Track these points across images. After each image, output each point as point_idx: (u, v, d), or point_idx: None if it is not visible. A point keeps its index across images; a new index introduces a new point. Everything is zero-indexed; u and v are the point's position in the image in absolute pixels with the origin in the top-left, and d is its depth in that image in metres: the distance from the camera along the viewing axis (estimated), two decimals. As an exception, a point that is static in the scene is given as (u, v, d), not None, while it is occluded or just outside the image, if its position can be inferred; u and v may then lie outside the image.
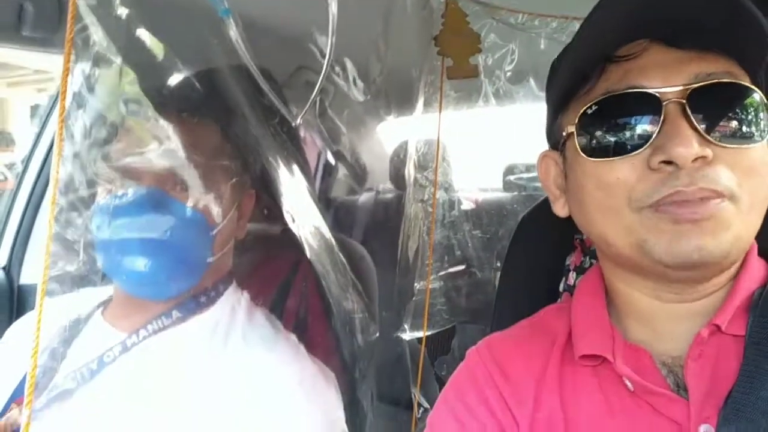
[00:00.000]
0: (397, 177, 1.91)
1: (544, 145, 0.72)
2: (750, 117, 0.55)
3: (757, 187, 0.55)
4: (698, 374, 0.56)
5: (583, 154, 0.59)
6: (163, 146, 0.84)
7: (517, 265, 0.95)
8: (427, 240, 1.50)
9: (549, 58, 0.72)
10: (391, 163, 1.98)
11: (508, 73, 1.39)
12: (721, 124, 0.55)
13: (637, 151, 0.55)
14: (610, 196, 0.57)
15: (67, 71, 0.60)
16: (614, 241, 0.59)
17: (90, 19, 0.69)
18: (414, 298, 1.49)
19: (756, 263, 0.61)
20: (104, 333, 0.90)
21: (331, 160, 1.44)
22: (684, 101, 0.54)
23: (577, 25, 0.62)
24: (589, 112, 0.59)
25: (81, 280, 0.81)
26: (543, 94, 0.74)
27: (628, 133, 0.56)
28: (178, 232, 0.85)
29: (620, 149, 0.56)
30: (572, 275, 0.86)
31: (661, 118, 0.55)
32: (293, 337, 0.96)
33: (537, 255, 0.93)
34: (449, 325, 1.56)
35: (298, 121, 0.99)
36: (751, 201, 0.55)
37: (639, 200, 0.56)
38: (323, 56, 0.93)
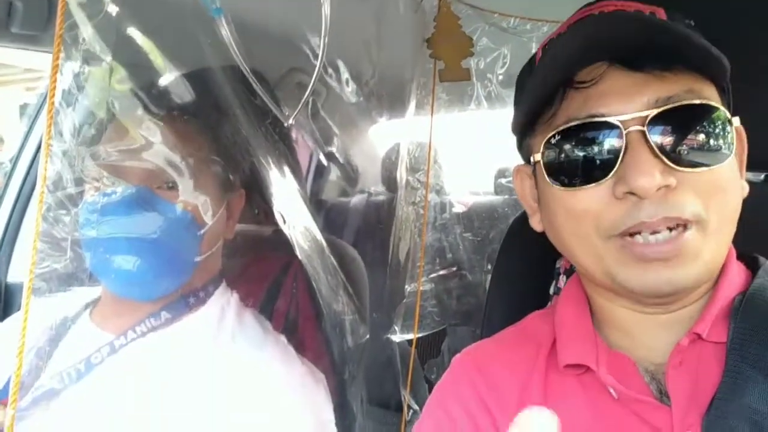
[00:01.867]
0: (389, 179, 1.91)
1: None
2: (714, 136, 0.55)
3: (724, 205, 0.55)
4: (679, 382, 0.56)
5: (550, 181, 0.59)
6: (151, 145, 0.84)
7: (507, 268, 0.95)
8: (419, 242, 1.50)
9: (541, 62, 0.72)
10: (383, 165, 1.98)
11: (500, 77, 1.40)
12: (685, 148, 0.54)
13: (601, 181, 0.55)
14: (579, 224, 0.58)
15: (56, 68, 0.60)
16: (587, 267, 0.60)
17: (79, 17, 0.69)
18: (405, 300, 1.49)
19: (735, 269, 0.61)
20: (92, 334, 0.89)
21: (323, 161, 1.43)
22: (644, 129, 0.54)
23: (568, 30, 0.62)
24: (553, 141, 0.58)
25: (68, 279, 0.80)
26: (534, 98, 0.74)
27: (591, 162, 0.56)
28: (165, 231, 0.84)
29: (585, 178, 0.56)
30: (562, 278, 0.86)
31: (623, 146, 0.54)
32: (283, 338, 0.96)
33: (527, 258, 0.93)
34: (440, 327, 1.56)
35: (290, 122, 0.99)
36: (718, 220, 0.55)
37: (606, 230, 0.56)
38: (316, 57, 0.93)
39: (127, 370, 0.86)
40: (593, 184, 0.56)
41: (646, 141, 0.54)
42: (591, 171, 0.56)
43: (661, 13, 0.58)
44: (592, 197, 0.56)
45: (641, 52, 0.55)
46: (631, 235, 0.54)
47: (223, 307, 0.94)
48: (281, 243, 1.01)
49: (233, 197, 0.97)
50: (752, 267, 0.63)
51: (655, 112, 0.54)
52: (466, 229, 1.64)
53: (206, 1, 0.83)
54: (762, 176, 0.85)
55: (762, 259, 0.64)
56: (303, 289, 1.12)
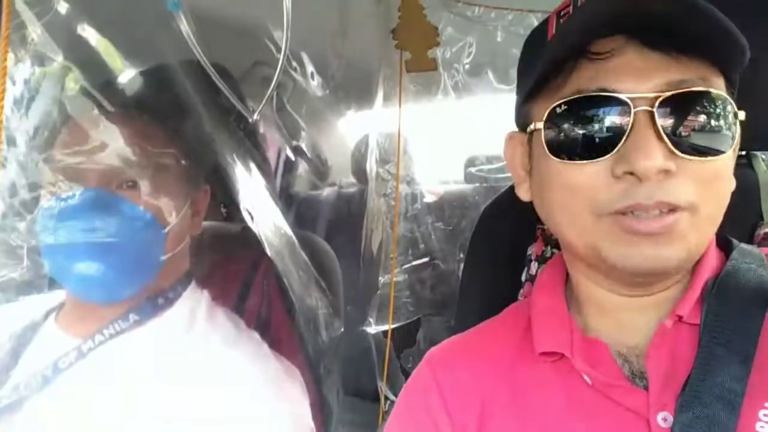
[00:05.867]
0: (359, 171, 1.91)
1: (504, 138, 0.71)
2: (720, 128, 0.55)
3: (717, 196, 0.56)
4: (658, 363, 0.57)
5: (549, 153, 0.58)
6: (108, 144, 0.81)
7: (479, 257, 0.96)
8: (391, 234, 1.50)
9: (506, 50, 0.72)
10: (353, 157, 1.97)
11: (467, 66, 1.40)
12: (689, 135, 0.54)
13: (602, 157, 0.55)
14: (573, 199, 0.57)
15: (4, 70, 0.57)
16: (572, 240, 0.60)
17: (27, 16, 0.66)
18: (379, 292, 1.50)
19: (713, 253, 0.62)
20: (58, 339, 0.87)
21: (291, 156, 1.42)
22: (653, 110, 0.53)
23: (533, 18, 0.61)
24: (558, 111, 0.57)
25: (27, 287, 0.78)
26: (501, 86, 0.74)
27: (595, 138, 0.55)
28: (127, 231, 0.82)
29: (586, 153, 0.56)
30: (534, 265, 0.87)
31: (630, 125, 0.54)
32: (256, 335, 0.95)
33: (499, 246, 0.93)
34: (414, 317, 1.57)
35: (255, 117, 0.97)
36: (709, 211, 0.55)
37: (600, 207, 0.55)
38: (279, 51, 0.92)
39: (97, 374, 0.84)
40: (593, 161, 0.55)
41: (653, 122, 0.53)
42: (592, 146, 0.55)
43: None
44: (589, 173, 0.56)
45: (664, 29, 0.53)
46: (623, 213, 0.54)
47: (193, 308, 0.93)
48: (250, 241, 0.99)
49: (198, 194, 0.96)
50: (726, 249, 0.64)
51: (666, 94, 0.53)
52: (437, 219, 1.65)
53: (163, -5, 0.81)
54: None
55: (735, 241, 0.64)
56: (274, 286, 1.11)
